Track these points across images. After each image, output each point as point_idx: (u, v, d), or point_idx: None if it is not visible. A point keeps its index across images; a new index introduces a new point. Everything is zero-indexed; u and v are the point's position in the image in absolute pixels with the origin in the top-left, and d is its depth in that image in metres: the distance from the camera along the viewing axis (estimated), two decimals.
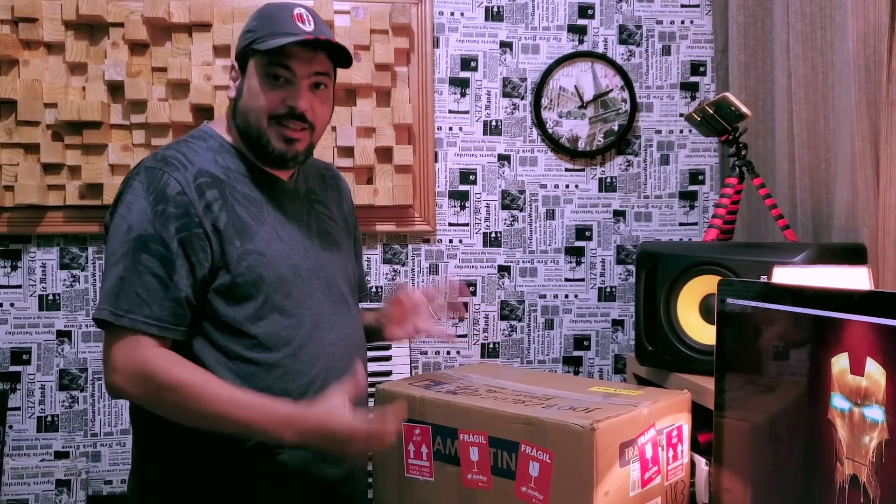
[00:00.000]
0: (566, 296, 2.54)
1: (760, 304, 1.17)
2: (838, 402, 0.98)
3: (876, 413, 0.91)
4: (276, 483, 1.36)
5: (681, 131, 2.57)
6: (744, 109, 1.88)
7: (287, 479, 1.36)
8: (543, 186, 2.53)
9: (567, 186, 2.53)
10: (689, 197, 2.58)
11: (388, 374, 2.30)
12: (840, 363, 0.98)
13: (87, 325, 2.35)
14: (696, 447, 1.57)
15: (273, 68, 1.35)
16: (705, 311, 1.75)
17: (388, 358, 2.34)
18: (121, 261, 1.27)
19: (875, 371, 0.91)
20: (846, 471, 0.96)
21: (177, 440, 1.33)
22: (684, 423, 1.47)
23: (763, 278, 1.53)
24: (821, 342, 1.02)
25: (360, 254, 1.72)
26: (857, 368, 0.95)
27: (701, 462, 1.53)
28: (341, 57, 1.43)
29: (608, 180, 2.55)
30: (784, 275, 1.47)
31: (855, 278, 1.44)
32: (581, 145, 2.52)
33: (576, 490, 1.25)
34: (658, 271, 1.80)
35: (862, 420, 0.94)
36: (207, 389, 1.25)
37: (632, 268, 2.54)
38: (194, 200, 1.31)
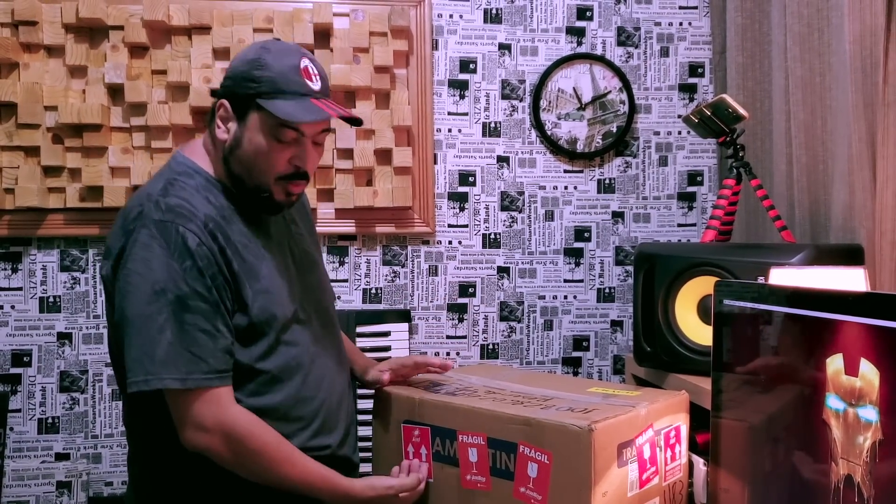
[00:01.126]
0: (565, 297, 2.55)
1: (756, 306, 1.17)
2: (833, 402, 0.99)
3: (870, 413, 0.92)
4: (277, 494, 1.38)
5: (679, 133, 2.58)
6: (741, 111, 1.88)
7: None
8: (542, 188, 2.53)
9: (566, 188, 2.54)
10: (687, 198, 2.59)
11: None
12: (835, 364, 0.99)
13: (87, 328, 2.36)
14: (694, 448, 1.57)
15: (282, 131, 1.34)
16: (703, 311, 1.76)
17: (387, 359, 2.34)
18: (165, 326, 1.25)
19: (869, 371, 0.92)
20: (841, 471, 0.97)
21: (183, 463, 1.34)
22: (682, 423, 1.48)
23: (760, 279, 1.54)
24: (816, 343, 1.03)
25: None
26: (852, 369, 0.95)
27: (699, 462, 1.53)
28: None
29: (607, 181, 2.56)
30: (781, 276, 1.47)
31: (851, 279, 1.44)
32: (580, 147, 2.52)
33: (574, 490, 1.25)
34: (656, 272, 1.81)
35: (856, 420, 0.94)
36: (287, 457, 1.33)
37: (630, 269, 2.54)
38: (213, 248, 1.30)
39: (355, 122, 1.47)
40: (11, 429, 2.32)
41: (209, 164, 1.41)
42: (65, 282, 2.35)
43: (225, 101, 1.37)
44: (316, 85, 1.36)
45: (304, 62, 1.36)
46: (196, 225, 1.30)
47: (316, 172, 2.34)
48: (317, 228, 1.71)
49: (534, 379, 1.64)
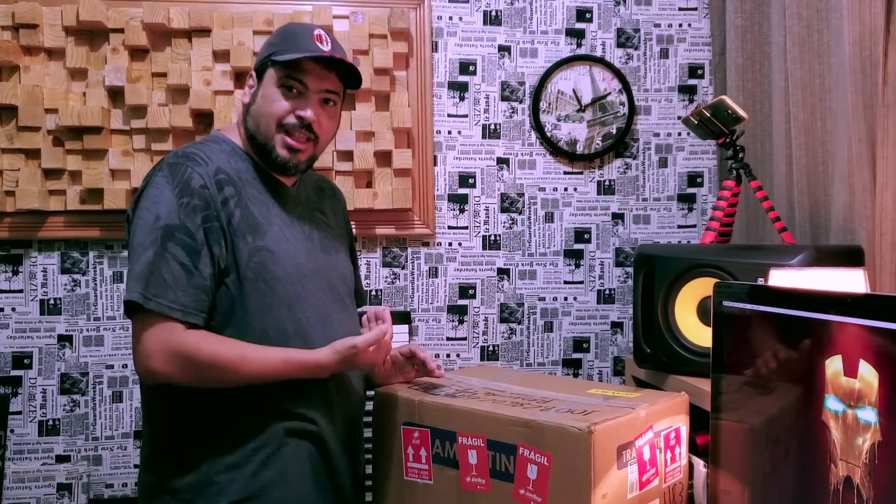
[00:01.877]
0: (565, 298, 2.55)
1: (755, 307, 1.17)
2: (832, 403, 0.99)
3: (869, 415, 0.92)
4: (286, 472, 1.44)
5: (679, 134, 2.58)
6: (741, 112, 1.88)
7: (296, 468, 1.45)
8: (542, 189, 2.53)
9: (566, 189, 2.54)
10: (687, 199, 2.59)
11: None
12: (834, 365, 0.99)
13: (88, 330, 2.36)
14: (694, 449, 1.57)
15: (288, 80, 1.45)
16: (703, 313, 1.76)
17: None
18: (150, 247, 1.34)
19: (868, 373, 0.92)
20: (840, 472, 0.97)
21: (196, 433, 1.42)
22: (682, 424, 1.48)
23: (760, 280, 1.54)
24: (815, 344, 1.03)
25: (356, 261, 1.79)
26: (851, 370, 0.95)
27: (699, 464, 1.53)
28: (352, 79, 1.53)
29: (607, 183, 2.56)
30: (780, 277, 1.47)
31: (851, 280, 1.44)
32: (579, 148, 2.52)
33: (573, 492, 1.26)
34: (656, 274, 1.80)
35: (855, 422, 0.94)
36: (241, 357, 1.36)
37: (630, 270, 2.54)
38: (214, 195, 1.39)
39: (355, 81, 1.54)
40: (12, 431, 2.32)
41: (238, 138, 1.53)
42: (65, 284, 2.35)
43: (252, 72, 1.52)
44: (326, 47, 1.47)
45: (318, 31, 1.49)
46: (205, 170, 1.41)
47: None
48: None
49: (533, 380, 1.64)
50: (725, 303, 1.26)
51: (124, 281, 1.41)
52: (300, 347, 1.43)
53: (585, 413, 1.32)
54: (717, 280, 1.61)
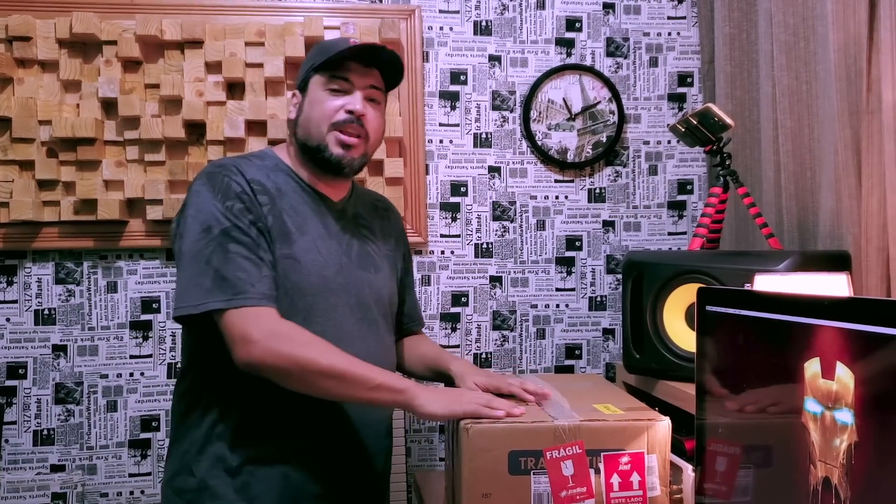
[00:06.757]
0: (557, 305, 2.56)
1: (737, 311, 1.19)
2: (811, 405, 1.00)
3: (846, 416, 0.93)
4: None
5: (668, 142, 2.60)
6: (727, 120, 1.90)
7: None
8: (533, 197, 2.55)
9: (557, 197, 2.56)
10: (677, 206, 2.60)
11: None
12: (812, 368, 1.00)
13: (82, 340, 2.37)
14: (683, 454, 1.58)
15: (333, 81, 1.51)
16: (691, 319, 1.77)
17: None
18: (212, 256, 1.37)
19: (844, 375, 0.93)
20: (819, 473, 0.98)
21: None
22: (644, 451, 1.40)
23: (747, 286, 1.55)
24: (794, 347, 1.04)
25: (412, 285, 1.84)
26: (828, 373, 0.97)
27: (687, 468, 1.54)
28: (392, 75, 1.59)
29: (597, 191, 2.58)
30: (765, 282, 1.49)
31: (834, 285, 1.46)
32: (570, 157, 2.54)
33: (458, 483, 1.33)
34: (644, 280, 1.82)
35: (833, 423, 0.96)
36: (334, 349, 1.38)
37: (621, 277, 2.55)
38: (254, 199, 1.45)
39: (396, 76, 1.60)
40: (6, 441, 2.33)
41: (287, 156, 1.59)
42: (60, 294, 2.36)
43: (296, 90, 1.59)
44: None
45: (354, 39, 1.54)
46: (241, 178, 1.46)
47: None
48: None
49: (573, 388, 1.64)
50: (708, 308, 1.28)
51: (182, 290, 1.40)
52: None
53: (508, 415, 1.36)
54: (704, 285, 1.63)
